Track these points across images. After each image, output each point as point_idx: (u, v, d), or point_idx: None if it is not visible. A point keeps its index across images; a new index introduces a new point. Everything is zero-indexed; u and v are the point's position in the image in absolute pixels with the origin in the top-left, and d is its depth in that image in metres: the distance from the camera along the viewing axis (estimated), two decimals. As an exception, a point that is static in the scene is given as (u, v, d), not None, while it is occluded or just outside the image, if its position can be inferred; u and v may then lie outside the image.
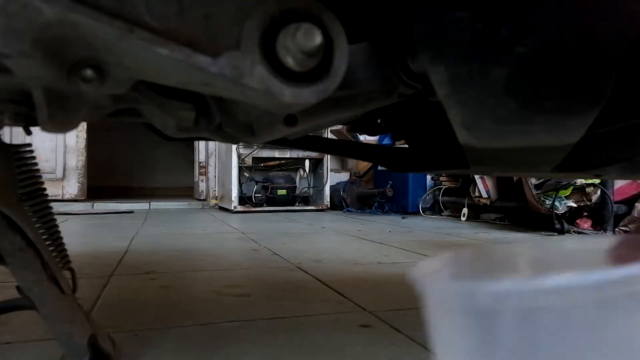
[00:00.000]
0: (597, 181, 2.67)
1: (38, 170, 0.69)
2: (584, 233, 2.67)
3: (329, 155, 4.48)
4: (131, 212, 4.14)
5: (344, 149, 1.07)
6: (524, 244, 0.31)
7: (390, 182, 4.10)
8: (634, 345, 0.19)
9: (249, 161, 4.25)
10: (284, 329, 0.94)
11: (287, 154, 4.37)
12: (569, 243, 0.30)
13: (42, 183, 0.69)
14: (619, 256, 0.23)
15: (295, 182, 4.49)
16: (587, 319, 0.19)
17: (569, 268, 0.28)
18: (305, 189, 4.60)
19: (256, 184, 4.32)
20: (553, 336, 0.19)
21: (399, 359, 0.81)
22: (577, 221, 2.77)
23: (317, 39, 0.30)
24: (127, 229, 2.74)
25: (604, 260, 0.28)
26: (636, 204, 2.71)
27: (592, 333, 0.19)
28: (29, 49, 0.28)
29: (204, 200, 5.20)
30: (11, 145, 0.66)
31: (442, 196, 3.95)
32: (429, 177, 4.18)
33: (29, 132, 0.64)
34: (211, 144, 5.13)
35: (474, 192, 3.49)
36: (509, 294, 0.20)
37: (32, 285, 0.64)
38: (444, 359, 0.23)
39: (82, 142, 4.68)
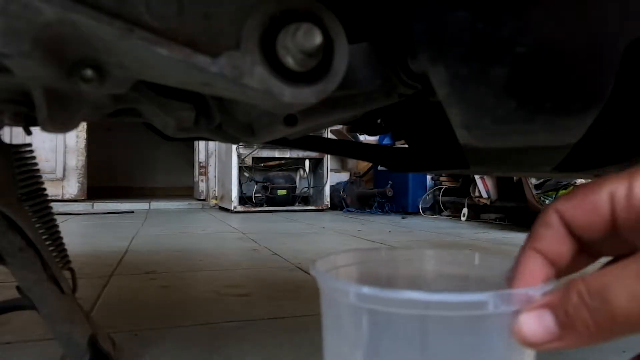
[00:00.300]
0: (597, 181, 2.67)
1: (38, 170, 0.69)
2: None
3: (329, 155, 4.48)
4: (131, 212, 4.14)
5: (344, 149, 1.07)
6: (431, 250, 0.34)
7: (390, 182, 4.10)
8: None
9: (249, 161, 4.25)
10: (284, 329, 0.94)
11: (287, 154, 4.37)
12: (475, 259, 0.33)
13: (42, 183, 0.69)
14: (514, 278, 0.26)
15: (295, 182, 4.49)
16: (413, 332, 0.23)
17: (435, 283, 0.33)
18: (305, 189, 4.60)
19: (256, 184, 4.32)
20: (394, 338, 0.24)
21: (399, 359, 0.81)
22: (577, 221, 2.77)
23: (317, 39, 0.30)
24: (127, 229, 2.74)
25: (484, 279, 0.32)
26: (636, 204, 2.71)
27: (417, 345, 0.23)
28: (29, 49, 0.28)
29: (204, 200, 5.20)
30: (11, 145, 0.66)
31: (442, 196, 3.95)
32: (429, 177, 4.18)
33: (29, 132, 0.64)
34: (211, 144, 5.13)
35: (474, 192, 3.49)
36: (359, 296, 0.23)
37: (32, 285, 0.64)
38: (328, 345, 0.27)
39: (82, 142, 4.68)
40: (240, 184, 4.17)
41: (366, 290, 0.23)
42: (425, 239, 2.48)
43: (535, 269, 0.24)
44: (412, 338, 0.23)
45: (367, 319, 0.24)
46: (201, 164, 5.34)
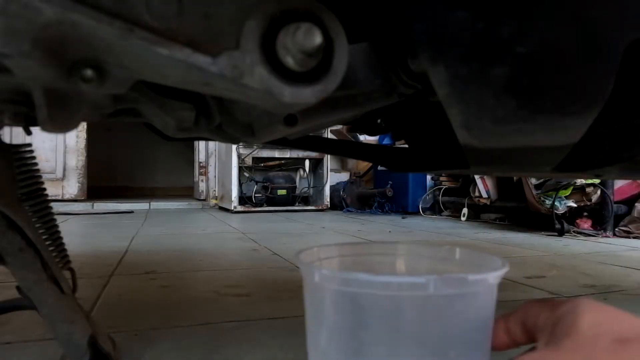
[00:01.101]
0: (597, 181, 2.67)
1: (38, 170, 0.69)
2: (584, 233, 2.67)
3: (329, 155, 4.48)
4: (131, 212, 4.14)
5: (344, 149, 1.07)
6: (400, 244, 0.38)
7: (390, 182, 4.10)
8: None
9: (249, 161, 4.25)
10: (284, 329, 0.94)
11: (287, 154, 4.37)
12: (439, 252, 0.37)
13: (42, 183, 0.69)
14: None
15: (295, 182, 4.49)
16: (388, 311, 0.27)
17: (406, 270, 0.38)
18: (305, 189, 4.60)
19: (256, 184, 4.32)
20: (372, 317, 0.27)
21: (399, 359, 0.81)
22: (577, 221, 2.77)
23: (317, 39, 0.30)
24: (127, 229, 2.74)
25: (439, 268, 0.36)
26: (636, 204, 2.71)
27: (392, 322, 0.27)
28: (29, 49, 0.28)
29: (204, 200, 5.20)
30: (11, 145, 0.66)
31: (442, 196, 3.95)
32: (429, 177, 4.18)
33: (29, 132, 0.64)
34: (211, 144, 5.13)
35: (474, 192, 3.49)
36: (334, 279, 0.28)
37: (32, 285, 0.64)
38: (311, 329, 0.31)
39: (82, 142, 4.68)
40: (240, 184, 4.17)
41: (325, 271, 0.28)
42: (425, 238, 2.48)
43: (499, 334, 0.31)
44: (363, 313, 0.27)
45: (329, 296, 0.28)
46: (201, 164, 5.34)
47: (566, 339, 0.25)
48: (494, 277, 0.29)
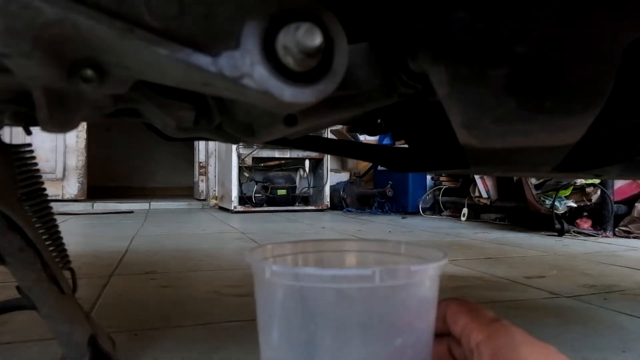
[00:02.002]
0: (597, 181, 2.67)
1: (38, 170, 0.69)
2: (583, 233, 2.67)
3: (329, 155, 4.48)
4: (131, 212, 4.14)
5: (344, 149, 1.07)
6: (349, 241, 0.40)
7: (390, 182, 4.10)
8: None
9: (249, 161, 4.25)
10: (284, 329, 0.94)
11: (287, 154, 4.37)
12: (386, 247, 0.38)
13: (42, 183, 0.69)
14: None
15: (295, 182, 4.49)
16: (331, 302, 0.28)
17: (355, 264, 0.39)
18: (305, 189, 4.60)
19: (256, 184, 4.32)
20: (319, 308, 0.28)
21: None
22: (577, 221, 2.77)
23: (318, 38, 0.30)
24: (127, 229, 2.75)
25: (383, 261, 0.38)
26: (636, 204, 2.71)
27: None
28: (29, 49, 0.28)
29: (204, 200, 5.20)
30: (11, 145, 0.66)
31: (442, 196, 3.95)
32: (429, 177, 4.18)
33: (29, 132, 0.64)
34: (211, 144, 5.13)
35: (474, 192, 3.49)
36: (283, 274, 0.28)
37: (32, 285, 0.64)
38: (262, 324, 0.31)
39: (82, 142, 4.68)
40: (240, 184, 4.17)
41: (275, 267, 0.28)
42: (425, 238, 2.48)
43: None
44: (312, 307, 0.27)
45: (279, 291, 0.29)
46: (201, 164, 5.34)
47: None
48: (434, 268, 0.30)
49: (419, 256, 0.35)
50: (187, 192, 6.07)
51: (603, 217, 2.69)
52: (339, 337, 0.27)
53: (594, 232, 2.67)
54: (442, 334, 0.32)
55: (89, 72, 0.31)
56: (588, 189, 2.72)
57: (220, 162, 4.81)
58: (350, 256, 0.39)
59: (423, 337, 0.30)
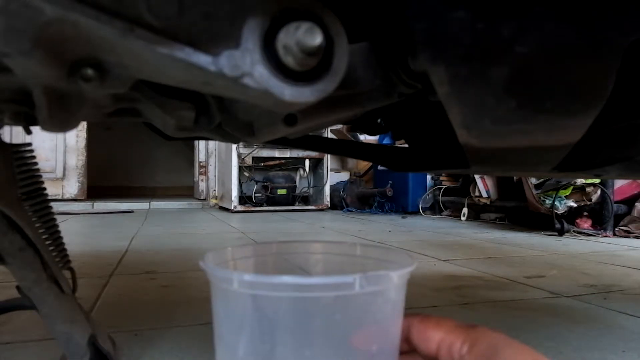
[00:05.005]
0: (597, 181, 2.67)
1: (38, 170, 0.69)
2: (584, 233, 2.67)
3: (329, 155, 4.48)
4: (131, 211, 4.14)
5: (344, 149, 1.07)
6: (319, 243, 0.38)
7: (390, 182, 4.10)
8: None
9: (249, 161, 4.25)
10: (284, 329, 0.94)
11: (287, 153, 4.37)
12: (353, 250, 0.36)
13: (42, 183, 0.69)
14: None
15: (295, 182, 4.49)
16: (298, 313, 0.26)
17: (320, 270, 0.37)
18: (305, 189, 4.60)
19: (256, 184, 4.32)
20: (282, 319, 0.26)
21: (399, 358, 0.81)
22: (577, 221, 2.77)
23: (318, 38, 0.30)
24: (127, 229, 2.74)
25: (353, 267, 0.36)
26: (636, 204, 2.71)
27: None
28: (29, 48, 0.28)
29: (204, 199, 5.20)
30: (11, 145, 0.66)
31: (442, 196, 3.95)
32: (429, 177, 4.18)
33: (29, 132, 0.64)
34: (211, 143, 5.13)
35: (474, 192, 3.49)
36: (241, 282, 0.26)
37: (32, 285, 0.64)
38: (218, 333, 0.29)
39: (82, 142, 4.68)
40: (240, 184, 4.17)
41: (247, 277, 0.26)
42: (425, 238, 2.48)
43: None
44: (288, 319, 0.26)
45: (250, 303, 0.27)
46: (201, 164, 5.34)
47: None
48: (407, 273, 0.29)
49: (388, 260, 0.34)
50: (187, 191, 6.07)
51: (603, 217, 2.69)
52: (316, 348, 0.26)
53: (594, 231, 2.67)
54: (404, 353, 0.31)
55: (89, 72, 0.31)
56: (588, 189, 2.72)
57: (220, 162, 4.81)
58: (315, 260, 0.37)
59: (394, 343, 0.29)
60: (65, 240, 0.71)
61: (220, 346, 0.29)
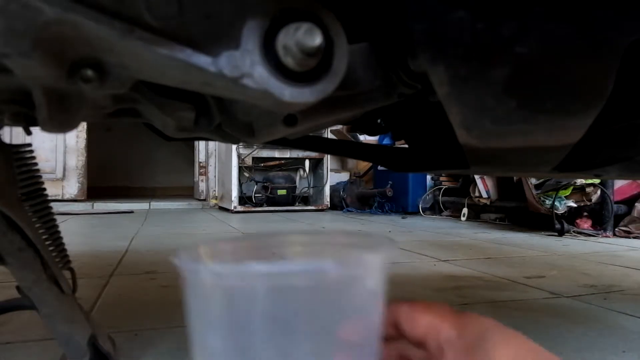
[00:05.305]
0: (597, 181, 2.67)
1: (38, 170, 0.69)
2: (584, 233, 2.67)
3: (329, 155, 4.48)
4: (131, 212, 4.14)
5: (344, 149, 1.07)
6: (295, 236, 0.36)
7: (390, 182, 4.10)
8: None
9: (249, 161, 4.25)
10: (284, 329, 0.94)
11: (287, 154, 4.37)
12: (336, 237, 0.35)
13: (42, 183, 0.69)
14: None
15: (295, 182, 4.49)
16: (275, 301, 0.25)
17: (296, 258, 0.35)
18: (305, 189, 4.60)
19: (256, 184, 4.32)
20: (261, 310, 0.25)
21: (399, 359, 0.81)
22: (577, 221, 2.77)
23: (317, 38, 0.30)
24: (127, 229, 2.74)
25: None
26: (636, 204, 2.71)
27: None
28: (29, 49, 0.28)
29: (204, 200, 5.20)
30: (11, 145, 0.66)
31: (442, 196, 3.95)
32: (429, 177, 4.18)
33: (29, 132, 0.64)
34: (211, 144, 5.13)
35: (474, 192, 3.49)
36: (220, 274, 0.25)
37: (32, 285, 0.64)
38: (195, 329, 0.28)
39: (82, 142, 4.68)
40: (240, 184, 4.17)
41: (217, 267, 0.25)
42: (425, 239, 2.48)
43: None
44: (262, 309, 0.25)
45: (221, 296, 0.26)
46: (201, 164, 5.34)
47: None
48: (384, 256, 0.28)
49: (368, 245, 0.32)
50: (187, 192, 6.07)
51: (603, 217, 2.69)
52: (299, 336, 0.25)
53: (594, 232, 2.67)
54: (392, 339, 0.31)
55: (89, 72, 0.31)
56: (588, 189, 2.72)
57: (220, 162, 4.81)
58: (296, 250, 0.36)
59: (377, 330, 0.28)
60: (65, 240, 0.71)
61: (196, 344, 0.28)
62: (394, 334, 0.30)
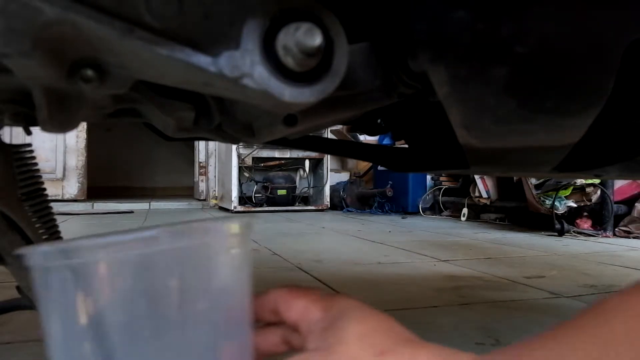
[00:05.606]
0: (597, 181, 2.67)
1: (38, 170, 0.69)
2: (584, 233, 2.67)
3: (329, 155, 4.48)
4: (131, 212, 4.14)
5: (344, 149, 1.07)
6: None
7: (390, 182, 4.10)
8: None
9: (249, 161, 4.25)
10: (284, 329, 0.94)
11: (287, 154, 4.37)
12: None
13: (42, 183, 0.69)
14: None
15: (295, 182, 4.49)
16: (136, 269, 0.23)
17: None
18: (305, 189, 4.60)
19: (256, 184, 4.32)
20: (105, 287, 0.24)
21: (399, 359, 0.81)
22: (577, 221, 2.77)
23: (318, 38, 0.30)
24: (127, 229, 2.74)
25: None
26: (636, 204, 2.71)
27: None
28: (29, 49, 0.28)
29: (204, 200, 5.20)
30: (11, 145, 0.66)
31: (442, 196, 3.95)
32: (429, 177, 4.18)
33: (29, 132, 0.64)
34: (211, 144, 5.13)
35: (474, 192, 3.49)
36: (60, 252, 0.24)
37: (32, 285, 0.63)
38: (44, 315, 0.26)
39: (82, 142, 4.68)
40: (240, 184, 4.17)
41: (43, 248, 0.24)
42: (425, 239, 2.48)
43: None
44: (92, 285, 0.23)
45: (59, 278, 0.24)
46: (201, 164, 5.34)
47: (333, 348, 0.26)
48: (228, 231, 0.27)
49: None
50: (187, 192, 6.07)
51: (603, 217, 2.69)
52: (147, 317, 0.23)
53: (594, 232, 2.67)
54: (275, 325, 0.32)
55: (89, 72, 0.31)
56: (588, 189, 2.72)
57: (220, 162, 4.81)
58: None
59: (243, 311, 0.28)
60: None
61: (49, 337, 0.26)
62: (275, 320, 0.31)
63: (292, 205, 4.39)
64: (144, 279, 0.23)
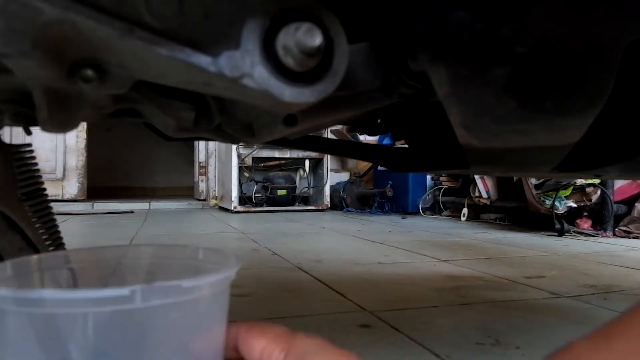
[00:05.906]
0: (597, 181, 2.67)
1: (38, 170, 0.69)
2: (584, 233, 2.67)
3: (329, 155, 4.48)
4: (131, 212, 4.14)
5: (344, 149, 1.07)
6: (149, 247, 0.34)
7: (390, 182, 4.10)
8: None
9: (249, 161, 4.25)
10: (284, 329, 0.94)
11: (287, 154, 4.37)
12: (184, 252, 0.32)
13: (42, 183, 0.69)
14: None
15: (295, 182, 4.49)
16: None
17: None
18: (305, 189, 4.60)
19: (256, 184, 4.32)
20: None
21: (399, 359, 0.81)
22: (577, 221, 2.77)
23: (318, 39, 0.30)
24: (127, 229, 2.74)
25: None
26: (636, 204, 2.71)
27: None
28: (29, 49, 0.28)
29: (204, 200, 5.20)
30: (11, 145, 0.66)
31: (442, 196, 3.95)
32: (429, 177, 4.18)
33: (29, 132, 0.64)
34: (211, 144, 5.13)
35: (474, 192, 3.49)
36: None
37: None
38: None
39: (82, 142, 4.68)
40: (240, 184, 4.17)
41: (3, 291, 0.21)
42: (425, 239, 2.48)
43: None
44: (58, 339, 0.22)
45: (19, 324, 0.22)
46: (201, 164, 5.34)
47: None
48: (214, 282, 0.25)
49: (216, 262, 0.30)
50: (187, 192, 6.07)
51: (603, 217, 2.69)
52: None
53: (594, 232, 2.67)
54: None
55: (89, 72, 0.31)
56: (588, 189, 2.72)
57: (220, 162, 4.81)
58: (143, 264, 0.33)
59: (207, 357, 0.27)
60: (65, 240, 0.71)
61: None
62: (236, 357, 0.31)
63: (292, 205, 4.39)
64: (111, 338, 0.22)
